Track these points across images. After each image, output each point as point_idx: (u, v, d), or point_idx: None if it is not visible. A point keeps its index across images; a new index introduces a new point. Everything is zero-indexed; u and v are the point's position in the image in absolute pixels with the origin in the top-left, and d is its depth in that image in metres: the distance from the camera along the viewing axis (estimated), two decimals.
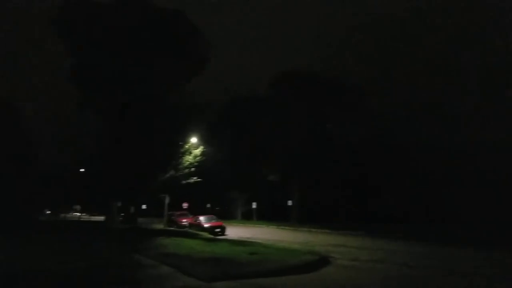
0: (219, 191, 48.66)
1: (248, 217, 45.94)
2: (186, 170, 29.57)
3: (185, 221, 34.46)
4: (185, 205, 41.54)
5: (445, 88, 48.83)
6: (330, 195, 43.01)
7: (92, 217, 68.97)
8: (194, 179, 30.61)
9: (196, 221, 30.57)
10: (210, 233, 26.44)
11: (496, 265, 13.70)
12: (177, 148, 28.37)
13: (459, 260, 14.77)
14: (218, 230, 27.60)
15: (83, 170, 48.66)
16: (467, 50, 53.22)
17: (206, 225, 28.46)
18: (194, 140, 30.62)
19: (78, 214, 63.39)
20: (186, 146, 29.61)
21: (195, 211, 38.41)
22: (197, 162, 29.90)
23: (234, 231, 29.07)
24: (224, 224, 29.00)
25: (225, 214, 47.33)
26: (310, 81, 42.23)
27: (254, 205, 43.84)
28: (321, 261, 13.23)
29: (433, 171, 40.56)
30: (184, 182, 30.25)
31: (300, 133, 42.52)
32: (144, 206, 51.37)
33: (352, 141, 43.84)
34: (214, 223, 28.94)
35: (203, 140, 32.68)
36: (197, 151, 30.14)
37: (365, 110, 43.08)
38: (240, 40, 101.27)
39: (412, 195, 39.66)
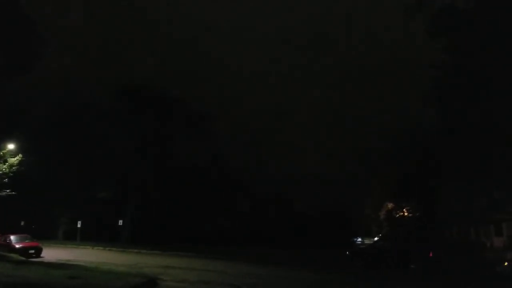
0: (40, 207, 42.74)
1: (72, 238, 41.38)
2: None
3: None
4: None
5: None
6: (165, 216, 42.35)
7: None
8: (7, 192, 26.27)
9: (5, 240, 26.37)
10: (22, 255, 23.16)
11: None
12: None
13: (282, 279, 16.19)
14: (32, 251, 24.64)
15: None
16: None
17: (17, 246, 24.94)
18: (11, 146, 26.39)
19: None
20: (0, 153, 25.31)
21: (7, 230, 32.86)
22: (12, 172, 25.75)
23: (53, 253, 26.12)
24: (40, 245, 25.95)
25: (45, 234, 41.58)
26: (155, 98, 41.39)
27: (79, 224, 39.85)
28: (149, 283, 12.88)
29: (265, 200, 44.65)
30: None
31: (139, 150, 41.03)
32: None
33: (193, 164, 44.39)
34: (27, 243, 25.67)
35: (26, 148, 28.43)
36: (14, 160, 25.99)
37: (209, 135, 44.22)
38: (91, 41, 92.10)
39: (246, 219, 42.34)
